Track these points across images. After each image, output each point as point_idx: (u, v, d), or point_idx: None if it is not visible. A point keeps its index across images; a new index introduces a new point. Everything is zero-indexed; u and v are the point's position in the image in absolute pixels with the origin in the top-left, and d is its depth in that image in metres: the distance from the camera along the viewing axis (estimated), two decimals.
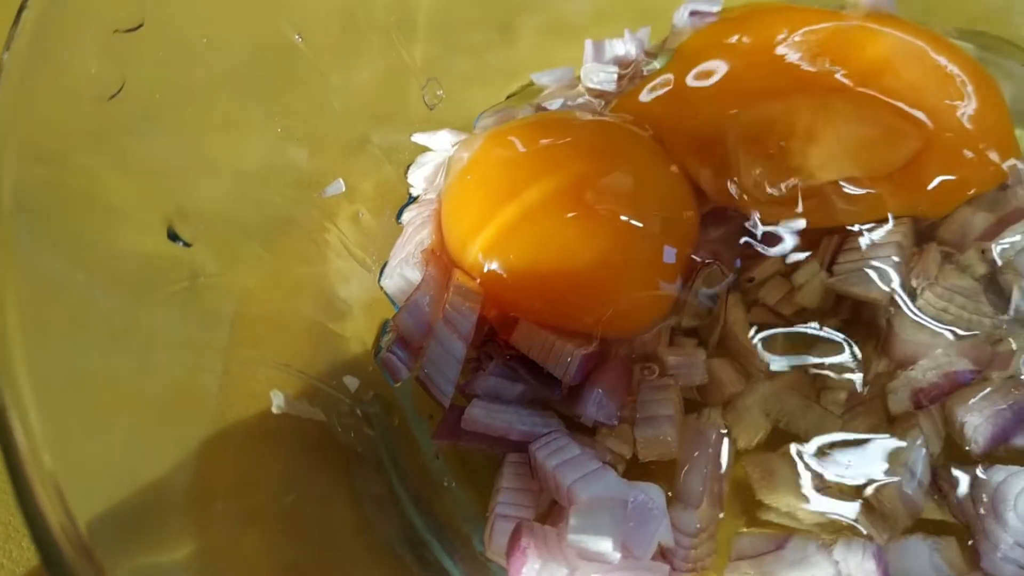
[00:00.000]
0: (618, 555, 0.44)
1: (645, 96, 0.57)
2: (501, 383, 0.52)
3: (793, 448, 0.52)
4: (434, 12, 0.62)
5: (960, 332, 0.52)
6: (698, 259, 0.53)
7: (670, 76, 0.57)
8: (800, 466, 0.51)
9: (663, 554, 0.49)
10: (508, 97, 0.63)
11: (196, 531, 0.43)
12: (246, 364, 0.50)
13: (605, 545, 0.44)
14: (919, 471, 0.50)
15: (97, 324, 0.44)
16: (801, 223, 0.53)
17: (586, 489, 0.47)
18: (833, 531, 0.50)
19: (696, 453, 0.50)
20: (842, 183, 0.53)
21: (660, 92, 0.57)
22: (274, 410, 0.46)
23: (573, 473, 0.48)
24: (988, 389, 0.51)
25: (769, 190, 0.52)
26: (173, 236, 0.46)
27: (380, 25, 0.60)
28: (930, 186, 0.54)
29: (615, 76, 0.59)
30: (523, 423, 0.51)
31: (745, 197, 0.53)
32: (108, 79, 0.43)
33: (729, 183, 0.54)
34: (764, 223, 0.53)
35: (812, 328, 0.53)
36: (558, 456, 0.49)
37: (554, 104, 0.59)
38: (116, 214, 0.47)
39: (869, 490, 0.50)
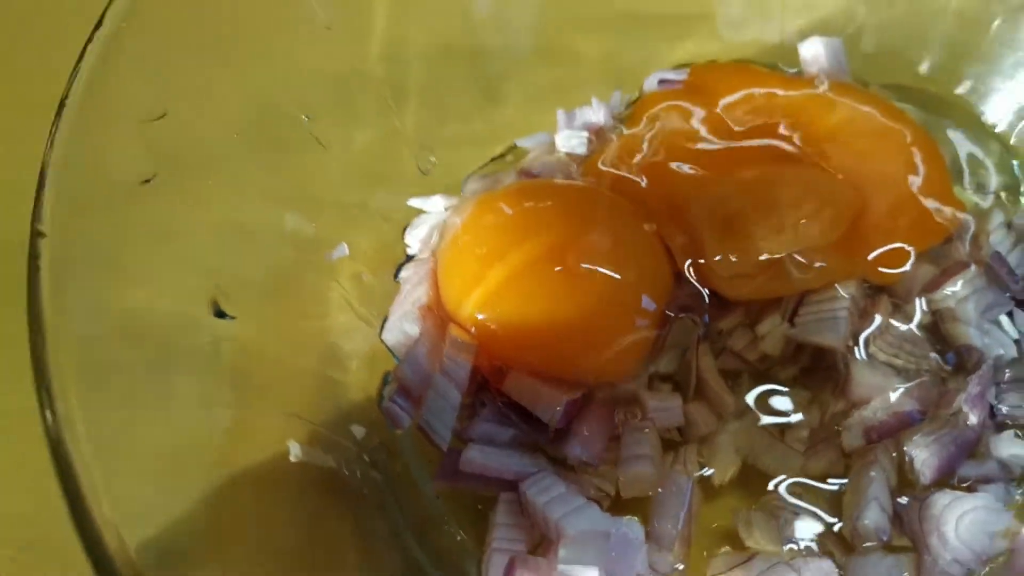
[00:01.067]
0: None
1: (606, 162, 0.63)
2: (494, 428, 0.57)
3: (770, 499, 0.57)
4: (424, 81, 0.68)
5: (909, 376, 0.58)
6: (671, 313, 0.58)
7: (628, 140, 0.63)
8: (778, 514, 0.56)
9: None
10: (493, 159, 0.68)
11: (217, 569, 0.48)
12: (256, 415, 0.54)
13: (591, 574, 0.49)
14: (883, 501, 0.56)
15: (125, 382, 0.48)
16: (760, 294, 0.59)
17: (573, 524, 0.52)
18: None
19: (669, 500, 0.55)
20: (795, 255, 0.58)
21: (621, 159, 0.62)
22: (292, 459, 0.50)
23: (560, 509, 0.53)
24: (934, 426, 0.57)
25: (732, 270, 0.58)
26: (220, 314, 0.51)
27: (375, 96, 0.65)
28: (872, 255, 0.59)
29: (586, 141, 0.64)
30: (515, 464, 0.56)
31: (710, 272, 0.59)
32: (141, 166, 0.47)
33: (694, 260, 0.59)
34: (728, 296, 0.59)
35: (779, 391, 0.59)
36: (546, 494, 0.54)
37: (536, 168, 0.64)
38: (141, 279, 0.51)
39: (838, 526, 0.56)
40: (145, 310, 0.49)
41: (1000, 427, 0.58)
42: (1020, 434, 0.58)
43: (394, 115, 0.65)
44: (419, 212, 0.64)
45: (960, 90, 0.69)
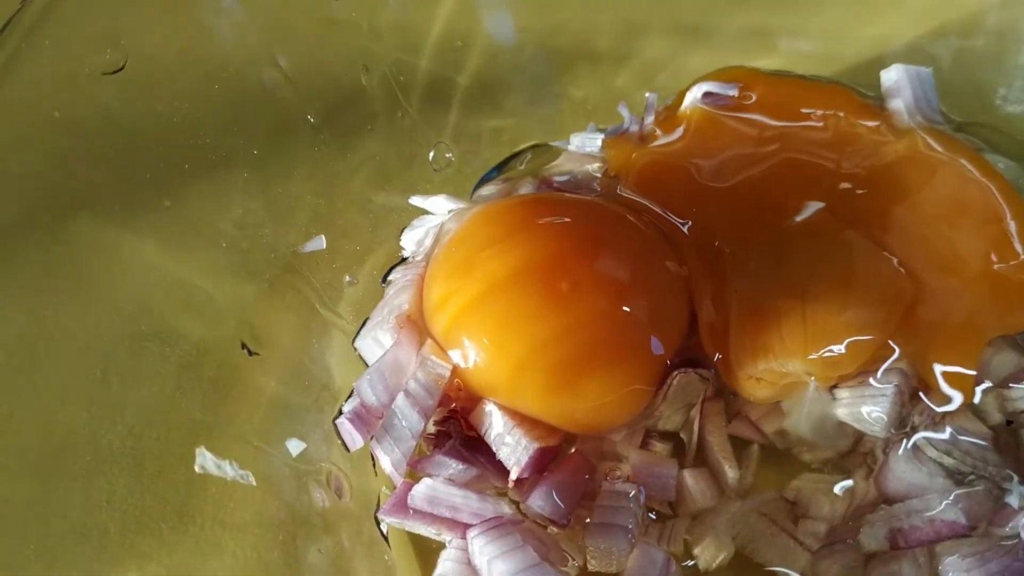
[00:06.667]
0: None
1: (630, 180, 0.55)
2: (455, 464, 0.50)
3: None
4: (460, 79, 0.62)
5: (962, 480, 0.48)
6: (673, 366, 0.49)
7: (656, 159, 0.55)
8: None
9: None
10: (515, 154, 0.61)
11: None
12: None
13: None
14: None
15: None
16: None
17: None
18: None
19: None
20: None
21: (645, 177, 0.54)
22: (196, 469, 0.45)
23: (506, 568, 0.45)
24: (981, 547, 0.46)
25: (753, 373, 0.49)
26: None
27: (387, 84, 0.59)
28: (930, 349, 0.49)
29: (600, 141, 0.57)
30: (472, 507, 0.49)
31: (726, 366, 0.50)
32: None
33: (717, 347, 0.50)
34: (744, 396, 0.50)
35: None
36: (495, 546, 0.46)
37: (557, 179, 0.57)
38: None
39: None
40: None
41: None
42: None
43: (409, 108, 0.59)
44: (420, 212, 0.58)
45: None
